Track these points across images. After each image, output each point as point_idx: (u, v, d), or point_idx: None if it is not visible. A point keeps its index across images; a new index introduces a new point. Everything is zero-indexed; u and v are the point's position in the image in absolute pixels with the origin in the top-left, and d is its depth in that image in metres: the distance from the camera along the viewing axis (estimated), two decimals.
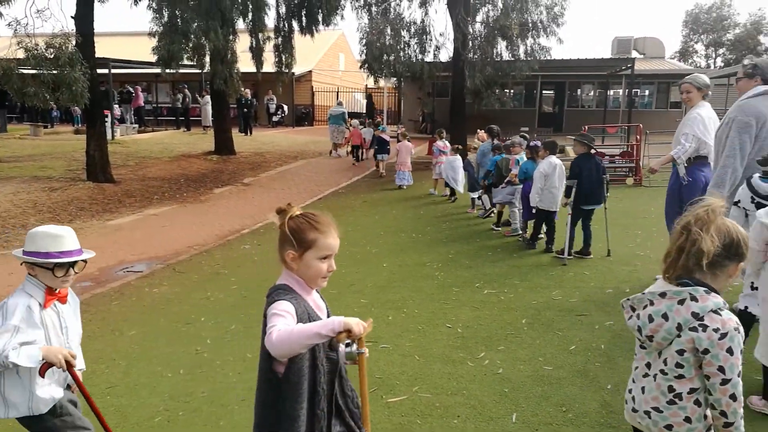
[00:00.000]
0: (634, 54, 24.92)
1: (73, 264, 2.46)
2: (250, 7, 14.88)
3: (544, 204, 6.89)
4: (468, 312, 5.17)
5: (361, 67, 17.76)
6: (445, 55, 17.37)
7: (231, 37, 14.83)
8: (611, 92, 25.70)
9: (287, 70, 17.59)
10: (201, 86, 23.52)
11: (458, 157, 10.85)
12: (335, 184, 13.82)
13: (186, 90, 23.82)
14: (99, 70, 13.82)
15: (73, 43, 10.82)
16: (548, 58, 16.88)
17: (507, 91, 20.88)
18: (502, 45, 16.30)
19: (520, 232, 7.72)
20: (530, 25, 15.86)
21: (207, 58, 15.07)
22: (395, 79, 19.14)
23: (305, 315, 1.91)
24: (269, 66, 17.29)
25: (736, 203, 3.73)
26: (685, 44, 57.43)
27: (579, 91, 26.40)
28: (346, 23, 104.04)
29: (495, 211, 8.70)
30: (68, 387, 2.61)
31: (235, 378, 4.15)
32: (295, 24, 16.93)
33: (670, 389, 1.94)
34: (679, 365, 1.91)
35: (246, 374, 4.18)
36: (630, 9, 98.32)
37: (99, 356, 4.68)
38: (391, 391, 3.69)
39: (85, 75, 10.67)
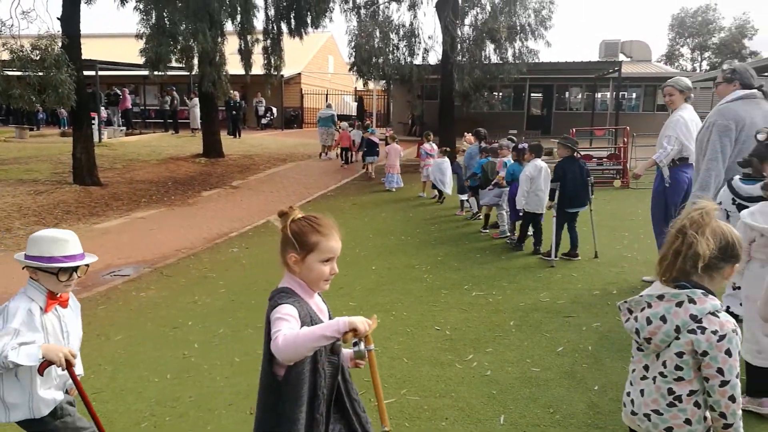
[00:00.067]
0: (621, 57, 25.13)
1: (76, 268, 2.45)
2: (239, 9, 14.83)
3: (530, 206, 6.94)
4: (456, 314, 5.18)
5: (350, 69, 17.77)
6: (434, 57, 17.45)
7: (219, 39, 14.77)
8: (599, 95, 25.90)
9: (276, 73, 17.55)
10: (189, 88, 23.41)
11: (446, 159, 10.90)
12: (324, 186, 13.80)
13: (174, 92, 23.72)
14: (86, 72, 13.70)
15: (59, 44, 10.71)
16: (536, 61, 16.98)
17: (495, 93, 20.98)
18: (490, 48, 16.38)
19: (508, 234, 7.76)
20: (518, 28, 15.96)
21: (195, 60, 15.00)
22: (384, 81, 19.16)
23: (307, 318, 1.91)
24: (258, 68, 17.24)
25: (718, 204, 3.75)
26: (672, 47, 58.00)
27: (567, 94, 26.59)
28: (335, 26, 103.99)
29: (482, 215, 8.74)
30: (66, 392, 2.60)
31: (223, 382, 4.13)
32: (284, 26, 16.89)
33: (670, 392, 1.94)
34: (678, 367, 1.91)
35: (233, 378, 4.16)
36: (617, 12, 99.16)
37: (85, 361, 4.58)
38: None
39: (72, 77, 10.57)
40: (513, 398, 3.63)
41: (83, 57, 12.87)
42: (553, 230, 6.55)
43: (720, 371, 1.84)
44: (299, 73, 28.37)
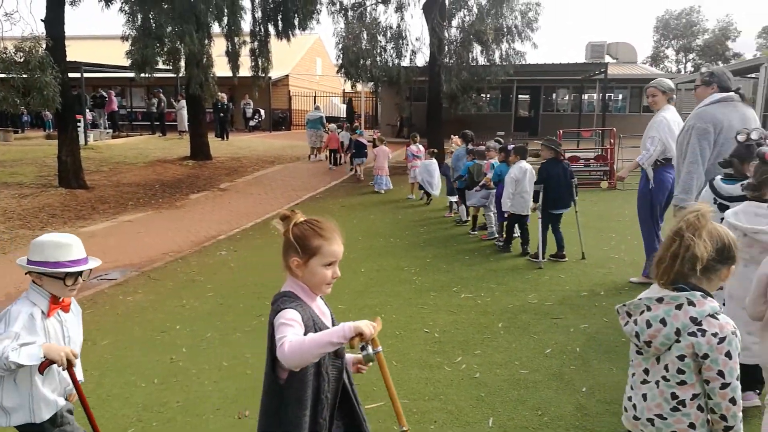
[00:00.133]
0: (608, 59, 25.36)
1: (81, 272, 2.45)
2: (226, 11, 14.75)
3: (515, 208, 7.00)
4: (445, 316, 5.19)
5: (338, 71, 17.76)
6: (422, 59, 17.50)
7: (206, 41, 14.69)
8: (586, 96, 26.10)
9: (264, 75, 17.48)
10: (176, 90, 23.26)
11: (434, 160, 10.94)
12: (313, 188, 13.77)
13: (161, 94, 23.56)
14: (71, 74, 13.57)
15: (44, 46, 10.61)
16: (523, 62, 17.08)
17: (483, 95, 21.07)
18: (477, 50, 16.45)
19: (496, 235, 7.79)
20: (505, 30, 16.03)
21: (182, 63, 14.91)
22: (372, 83, 19.17)
23: (310, 322, 1.91)
24: (246, 70, 17.17)
25: None
26: (657, 49, 58.60)
27: (554, 95, 26.76)
28: (323, 27, 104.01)
29: (470, 217, 8.79)
30: (66, 398, 2.59)
31: (211, 387, 4.10)
32: (271, 28, 16.82)
33: (674, 396, 1.94)
34: (680, 371, 1.91)
35: (222, 383, 4.14)
36: (603, 14, 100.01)
37: None
38: (368, 397, 3.68)
39: (56, 79, 10.48)
40: (501, 400, 3.64)
41: (68, 59, 12.75)
42: (539, 232, 6.59)
43: (720, 374, 1.85)
44: (287, 75, 28.31)
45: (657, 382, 1.98)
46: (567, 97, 26.83)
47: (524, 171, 6.96)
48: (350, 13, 16.67)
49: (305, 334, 1.84)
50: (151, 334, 5.25)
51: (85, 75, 19.51)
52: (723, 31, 54.61)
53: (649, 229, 5.63)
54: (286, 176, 15.71)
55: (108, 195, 12.42)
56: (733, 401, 1.87)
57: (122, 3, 13.78)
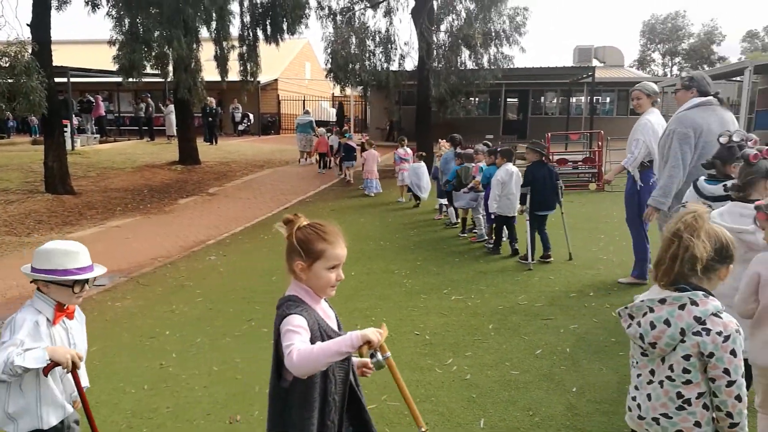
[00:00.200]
0: (595, 62, 25.58)
1: (87, 279, 2.44)
2: (214, 15, 14.73)
3: (501, 210, 7.06)
4: (436, 318, 5.20)
5: (326, 75, 17.76)
6: (411, 63, 17.53)
7: (195, 45, 14.65)
8: (574, 99, 26.28)
9: (252, 79, 17.44)
10: (165, 95, 23.15)
11: (422, 164, 11.00)
12: (302, 192, 13.75)
13: (149, 99, 23.42)
14: (57, 79, 13.47)
15: (30, 51, 10.53)
16: (512, 66, 17.16)
17: (472, 99, 21.13)
18: (466, 54, 16.51)
19: (486, 237, 7.82)
20: (493, 34, 16.10)
21: (170, 67, 14.85)
22: (361, 87, 19.19)
23: (316, 325, 1.92)
24: (234, 75, 17.13)
25: (683, 205, 3.90)
26: (643, 53, 59.19)
27: (542, 98, 26.92)
28: (312, 32, 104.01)
29: (459, 219, 8.83)
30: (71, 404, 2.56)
31: (201, 392, 4.08)
32: (260, 33, 16.79)
33: (679, 395, 1.95)
34: (686, 371, 1.92)
35: (212, 388, 4.11)
36: (590, 19, 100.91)
37: None
38: None
39: (43, 84, 10.40)
40: (492, 402, 3.65)
41: (54, 63, 12.67)
42: (528, 234, 6.64)
43: (726, 372, 1.86)
44: (276, 80, 28.26)
45: (661, 382, 1.99)
46: (555, 101, 27.00)
47: (510, 173, 7.04)
48: (339, 17, 16.69)
49: (311, 338, 1.85)
50: (140, 340, 5.21)
51: (72, 80, 19.37)
52: (708, 35, 55.29)
53: (637, 230, 5.68)
54: (275, 180, 15.67)
55: (96, 200, 12.33)
56: (738, 398, 1.89)
57: (109, 7, 13.72)
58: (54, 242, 2.45)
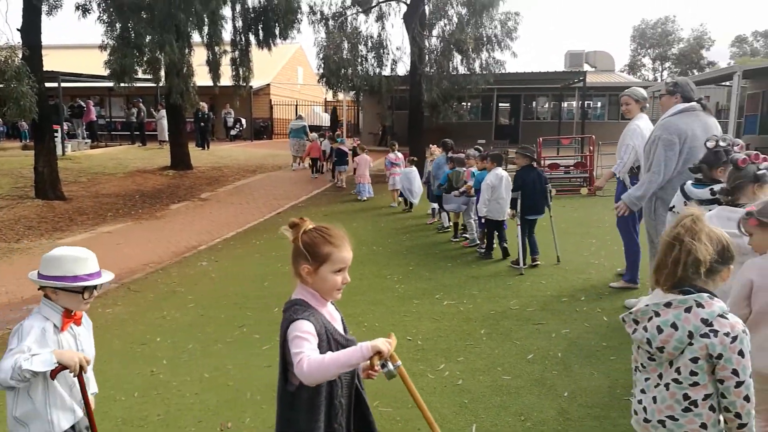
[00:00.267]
0: (586, 67, 25.73)
1: (96, 285, 2.44)
2: (206, 20, 14.72)
3: (492, 214, 7.09)
4: (428, 324, 5.20)
5: (319, 80, 17.77)
6: (403, 68, 17.59)
7: (187, 50, 14.63)
8: (565, 104, 26.42)
9: (245, 84, 17.44)
10: (156, 100, 23.07)
11: (414, 168, 11.04)
12: (295, 197, 13.73)
13: (141, 104, 23.35)
14: (48, 84, 13.41)
15: (20, 56, 10.47)
16: (503, 71, 17.24)
17: (464, 104, 21.21)
18: (458, 59, 16.59)
19: (478, 242, 7.85)
20: (485, 39, 16.18)
21: (162, 72, 14.82)
22: (354, 92, 19.22)
23: (323, 330, 1.93)
24: (226, 79, 17.11)
25: (671, 209, 4.03)
26: (634, 58, 59.64)
27: (534, 103, 27.05)
28: (304, 37, 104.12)
29: (451, 223, 8.85)
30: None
31: (192, 399, 4.06)
32: (252, 37, 16.81)
33: (686, 397, 1.95)
34: (693, 373, 1.92)
35: (203, 394, 4.09)
36: (581, 24, 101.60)
37: None
38: None
39: (33, 89, 10.34)
40: (484, 407, 3.65)
41: (45, 68, 12.61)
42: (518, 238, 6.67)
43: (735, 372, 1.87)
44: (268, 84, 28.25)
45: (667, 385, 1.99)
46: (547, 105, 27.14)
47: (500, 178, 7.09)
48: (331, 22, 16.72)
49: (319, 342, 1.87)
50: (131, 347, 5.18)
51: (63, 84, 19.28)
52: (697, 40, 55.79)
53: (629, 235, 5.72)
54: (267, 185, 15.64)
55: (86, 206, 12.25)
56: (747, 399, 1.89)
57: (101, 12, 13.67)
58: (62, 248, 2.45)
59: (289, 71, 31.87)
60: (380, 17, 16.85)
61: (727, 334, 1.87)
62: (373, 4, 16.75)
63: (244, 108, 25.52)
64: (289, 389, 1.95)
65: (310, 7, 16.76)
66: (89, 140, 22.19)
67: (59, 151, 16.02)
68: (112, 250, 9.11)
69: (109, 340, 5.39)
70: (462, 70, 16.76)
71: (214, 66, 16.43)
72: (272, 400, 3.91)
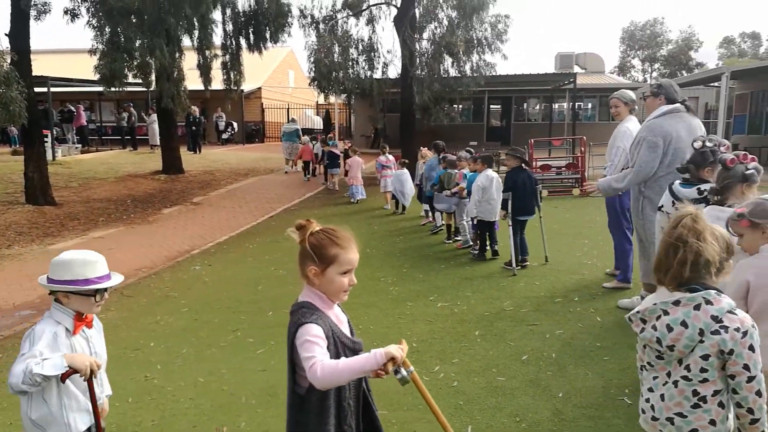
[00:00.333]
0: (576, 69, 25.84)
1: (107, 288, 2.45)
2: (196, 24, 14.69)
3: (483, 215, 7.12)
4: (422, 326, 5.21)
5: (310, 83, 17.78)
6: (394, 71, 17.61)
7: (177, 54, 14.59)
8: (556, 106, 26.54)
9: (236, 88, 17.41)
10: (147, 104, 22.99)
11: (405, 171, 11.07)
12: (287, 201, 13.72)
13: (131, 108, 23.25)
14: (37, 89, 13.34)
15: (8, 60, 10.42)
16: (494, 73, 17.31)
17: (455, 106, 21.28)
18: (448, 61, 16.64)
19: (471, 243, 7.87)
20: (475, 42, 16.25)
21: (153, 76, 14.77)
22: (345, 95, 19.23)
23: (330, 332, 1.94)
24: (218, 83, 17.09)
25: (659, 208, 4.11)
26: (623, 59, 60.04)
27: (525, 105, 27.16)
28: (295, 40, 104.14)
29: (444, 225, 8.87)
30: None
31: (187, 404, 4.04)
32: (242, 41, 16.79)
33: (695, 393, 1.95)
34: (703, 370, 1.92)
35: (198, 399, 4.08)
36: (570, 25, 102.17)
37: None
38: None
39: (22, 94, 10.27)
40: (479, 408, 3.66)
41: (34, 73, 12.54)
42: (510, 239, 6.70)
43: (746, 367, 1.87)
44: (260, 88, 28.21)
45: (676, 382, 1.99)
46: (538, 107, 27.26)
47: (491, 179, 7.13)
48: (321, 26, 16.73)
49: (327, 345, 1.89)
50: (124, 352, 5.15)
51: (53, 89, 19.18)
52: (686, 41, 56.26)
53: (620, 235, 5.76)
54: (260, 189, 15.61)
55: (77, 211, 12.18)
56: (759, 394, 1.90)
57: (90, 17, 13.61)
58: (71, 252, 2.45)
59: (281, 74, 31.85)
60: (371, 20, 16.89)
61: (737, 330, 1.88)
62: (364, 8, 16.78)
63: (235, 111, 25.48)
64: (298, 392, 1.96)
65: (301, 11, 16.79)
66: (80, 145, 22.07)
67: (49, 156, 15.93)
68: (104, 255, 9.01)
69: None
70: (453, 72, 16.82)
71: (205, 70, 16.40)
72: (267, 404, 3.91)
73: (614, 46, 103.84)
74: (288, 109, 28.19)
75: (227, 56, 16.81)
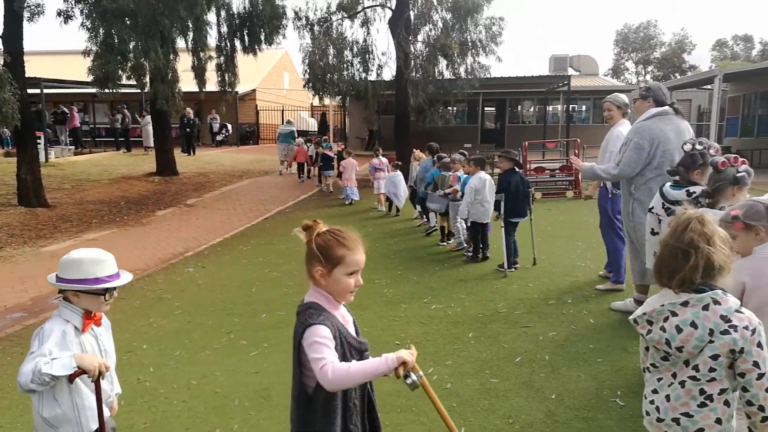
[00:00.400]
0: (570, 71, 25.95)
1: (116, 286, 2.45)
2: (191, 26, 14.65)
3: (476, 216, 7.14)
4: (416, 328, 5.21)
5: (305, 85, 17.78)
6: (389, 73, 17.61)
7: (171, 56, 14.55)
8: (550, 108, 26.64)
9: (230, 89, 17.39)
10: (141, 106, 22.93)
11: (398, 173, 11.10)
12: (282, 202, 13.70)
13: (125, 110, 23.18)
14: (30, 90, 13.29)
15: (1, 62, 10.39)
16: (488, 76, 17.34)
17: (450, 108, 21.30)
18: (443, 63, 16.65)
19: (465, 245, 7.88)
20: (470, 44, 16.27)
21: (147, 78, 14.73)
22: (340, 97, 19.23)
23: (336, 333, 1.96)
24: (212, 85, 17.07)
25: (650, 210, 4.14)
26: (617, 62, 60.30)
27: (519, 107, 27.25)
28: (289, 42, 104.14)
29: (437, 226, 8.89)
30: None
31: (180, 406, 4.03)
32: (237, 43, 16.78)
33: (702, 392, 1.95)
34: (712, 369, 1.92)
35: (191, 402, 4.07)
36: (564, 28, 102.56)
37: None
38: None
39: (15, 95, 10.23)
40: (473, 410, 3.66)
41: (27, 75, 12.48)
42: (503, 241, 6.72)
43: (756, 364, 1.88)
44: (254, 90, 28.19)
45: (682, 382, 1.99)
46: (532, 109, 27.34)
47: (483, 181, 7.16)
48: (316, 27, 16.72)
49: (335, 346, 1.90)
50: (117, 355, 5.11)
51: (46, 91, 19.11)
52: (679, 44, 56.56)
53: (612, 236, 5.80)
54: (254, 190, 15.59)
55: (70, 213, 12.12)
56: None
57: (83, 18, 13.57)
58: (80, 251, 2.44)
59: (275, 76, 31.84)
60: (365, 23, 16.90)
61: (746, 328, 1.89)
62: (359, 10, 16.79)
63: (230, 113, 25.44)
64: (306, 391, 1.97)
65: (296, 13, 16.77)
66: (73, 147, 21.99)
67: (42, 158, 15.85)
68: None
69: None
70: (447, 74, 16.84)
71: (199, 72, 16.36)
72: (260, 406, 3.91)
73: (608, 48, 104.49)
74: (283, 111, 28.18)
75: (222, 58, 16.79)
